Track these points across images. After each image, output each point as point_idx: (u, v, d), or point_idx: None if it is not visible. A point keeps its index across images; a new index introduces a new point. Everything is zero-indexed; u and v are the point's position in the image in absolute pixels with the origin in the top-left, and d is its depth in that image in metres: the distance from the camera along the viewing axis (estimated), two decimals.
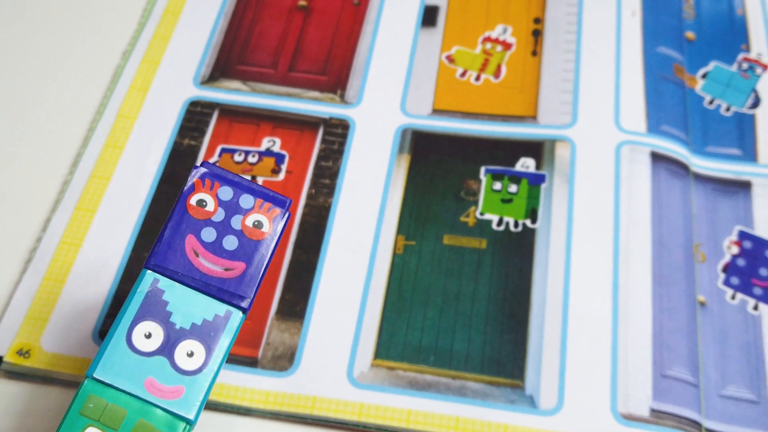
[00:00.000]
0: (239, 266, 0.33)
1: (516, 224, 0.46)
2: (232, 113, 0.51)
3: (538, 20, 0.55)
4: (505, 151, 0.49)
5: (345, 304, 0.43)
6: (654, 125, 0.50)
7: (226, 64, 0.53)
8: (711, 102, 0.52)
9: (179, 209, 0.34)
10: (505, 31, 0.55)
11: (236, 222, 0.34)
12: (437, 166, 0.49)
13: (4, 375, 0.42)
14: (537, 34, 0.54)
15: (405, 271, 0.45)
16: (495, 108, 0.51)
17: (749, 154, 0.50)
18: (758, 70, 0.53)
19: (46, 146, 0.49)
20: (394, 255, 0.45)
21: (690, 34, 0.55)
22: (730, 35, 0.55)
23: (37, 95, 0.52)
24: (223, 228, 0.34)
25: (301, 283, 0.44)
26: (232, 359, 0.42)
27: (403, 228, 0.46)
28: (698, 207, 0.47)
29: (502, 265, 0.45)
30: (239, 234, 0.34)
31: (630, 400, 0.41)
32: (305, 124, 0.50)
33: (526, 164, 0.48)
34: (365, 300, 0.44)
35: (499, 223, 0.46)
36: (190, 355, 0.32)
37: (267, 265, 0.33)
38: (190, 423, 0.31)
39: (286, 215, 0.34)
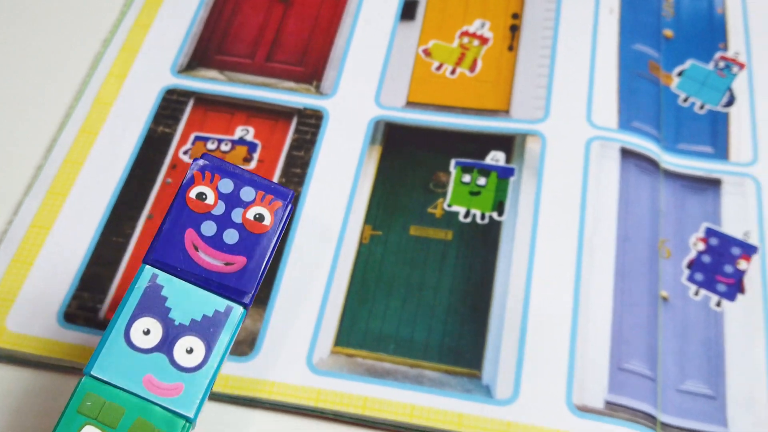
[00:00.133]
0: (240, 260, 0.32)
1: (483, 216, 0.47)
2: (207, 102, 0.51)
3: (516, 16, 0.55)
4: (476, 144, 0.49)
5: (308, 292, 0.44)
6: (625, 121, 0.50)
7: (204, 53, 0.54)
8: (685, 100, 0.52)
9: (178, 202, 0.33)
10: (482, 25, 0.55)
11: (237, 215, 0.33)
12: (408, 157, 0.49)
13: None
14: (514, 30, 0.55)
15: (370, 261, 0.45)
16: (468, 102, 0.51)
17: (721, 152, 0.50)
18: (735, 69, 0.53)
19: (23, 132, 0.50)
20: (360, 244, 0.46)
21: (668, 32, 0.55)
22: (709, 34, 0.55)
23: (16, 82, 0.52)
24: (224, 221, 0.33)
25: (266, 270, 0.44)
26: None
27: (370, 218, 0.47)
28: (666, 203, 0.47)
29: (467, 257, 0.45)
30: (240, 227, 0.33)
31: (585, 392, 0.41)
32: (279, 114, 0.51)
33: (496, 157, 0.49)
34: (329, 288, 0.44)
35: (466, 215, 0.47)
36: (190, 351, 0.31)
37: (269, 259, 0.33)
38: (189, 421, 0.30)
39: (289, 207, 0.33)
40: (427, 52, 0.54)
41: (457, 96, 0.52)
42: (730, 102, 0.52)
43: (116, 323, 0.31)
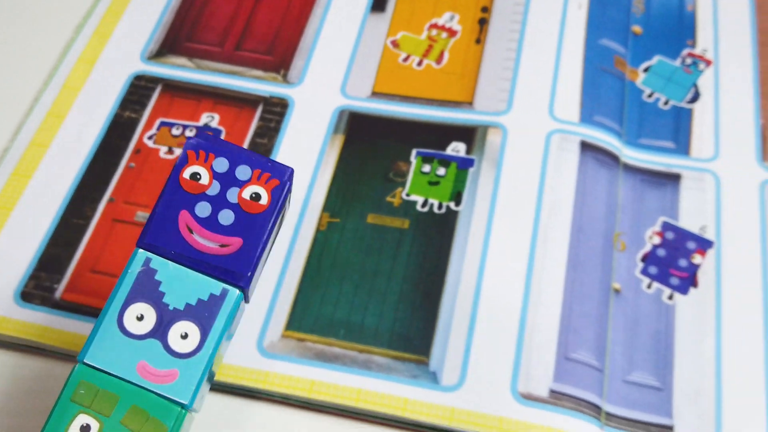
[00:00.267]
0: (236, 242, 0.31)
1: (440, 206, 0.47)
2: (175, 88, 0.52)
3: (485, 9, 0.55)
4: (438, 135, 0.50)
5: (263, 276, 0.44)
6: (587, 115, 0.50)
7: (174, 41, 0.54)
8: (650, 95, 0.52)
9: (171, 183, 0.32)
10: (452, 18, 0.55)
11: (232, 195, 0.32)
12: (370, 147, 0.50)
13: None
14: (483, 23, 0.55)
15: (326, 247, 0.46)
16: (433, 93, 0.52)
17: (682, 148, 0.50)
18: (701, 66, 0.54)
19: None
20: (318, 231, 0.46)
21: (637, 28, 0.55)
22: (678, 31, 0.55)
23: None
24: (219, 202, 0.32)
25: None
26: None
27: (329, 205, 0.47)
28: (625, 197, 0.48)
29: (422, 245, 0.46)
30: (236, 208, 0.32)
31: (531, 380, 0.41)
32: (245, 101, 0.51)
33: (456, 148, 0.49)
34: (284, 273, 0.45)
35: (424, 204, 0.47)
36: (184, 337, 0.30)
37: (266, 240, 0.32)
38: (185, 407, 0.30)
39: (287, 186, 0.32)
40: (395, 44, 0.54)
41: (422, 87, 0.52)
42: (695, 98, 0.52)
43: (109, 309, 0.30)
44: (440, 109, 0.51)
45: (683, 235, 0.47)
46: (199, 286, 0.31)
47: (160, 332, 0.30)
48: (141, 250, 0.31)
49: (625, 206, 0.48)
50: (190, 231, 0.31)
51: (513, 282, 0.44)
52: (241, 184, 0.32)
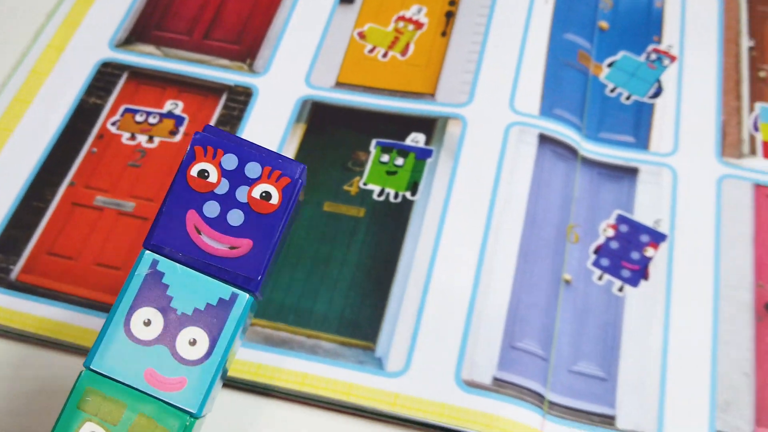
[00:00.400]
0: (245, 244, 0.30)
1: (396, 195, 0.47)
2: (141, 76, 0.52)
3: (452, 2, 0.56)
4: (399, 125, 0.50)
5: None
6: (547, 108, 0.50)
7: (143, 29, 0.55)
8: (613, 90, 0.53)
9: (179, 182, 0.30)
10: (419, 11, 0.56)
11: (242, 194, 0.30)
12: (331, 136, 0.50)
13: None
14: (450, 16, 0.55)
15: None
16: (396, 84, 0.52)
17: (642, 142, 0.50)
18: (666, 62, 0.54)
19: None
20: None
21: (603, 24, 0.56)
22: (645, 26, 0.55)
23: None
24: (228, 201, 0.30)
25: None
26: (97, 308, 0.43)
27: None
28: (582, 189, 0.48)
29: (376, 234, 0.46)
30: (245, 207, 0.30)
31: (475, 368, 0.41)
32: (210, 89, 0.52)
33: (416, 139, 0.49)
34: None
35: (380, 193, 0.48)
36: (193, 343, 0.29)
37: (277, 241, 0.30)
38: (193, 416, 0.29)
39: (299, 183, 0.30)
40: (361, 35, 0.55)
41: (386, 78, 0.52)
42: (658, 93, 0.52)
43: (115, 314, 0.29)
44: (402, 100, 0.51)
45: (637, 228, 0.47)
46: (207, 290, 0.30)
47: (167, 338, 0.29)
48: (147, 252, 0.30)
49: (581, 199, 0.48)
50: (198, 232, 0.30)
51: (463, 271, 0.44)
52: (251, 183, 0.30)
